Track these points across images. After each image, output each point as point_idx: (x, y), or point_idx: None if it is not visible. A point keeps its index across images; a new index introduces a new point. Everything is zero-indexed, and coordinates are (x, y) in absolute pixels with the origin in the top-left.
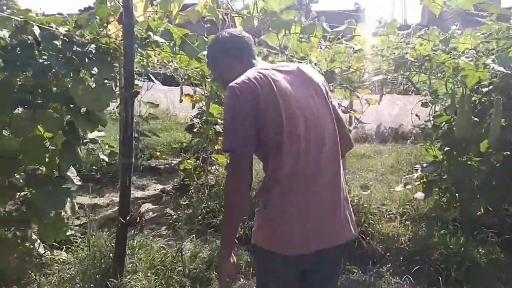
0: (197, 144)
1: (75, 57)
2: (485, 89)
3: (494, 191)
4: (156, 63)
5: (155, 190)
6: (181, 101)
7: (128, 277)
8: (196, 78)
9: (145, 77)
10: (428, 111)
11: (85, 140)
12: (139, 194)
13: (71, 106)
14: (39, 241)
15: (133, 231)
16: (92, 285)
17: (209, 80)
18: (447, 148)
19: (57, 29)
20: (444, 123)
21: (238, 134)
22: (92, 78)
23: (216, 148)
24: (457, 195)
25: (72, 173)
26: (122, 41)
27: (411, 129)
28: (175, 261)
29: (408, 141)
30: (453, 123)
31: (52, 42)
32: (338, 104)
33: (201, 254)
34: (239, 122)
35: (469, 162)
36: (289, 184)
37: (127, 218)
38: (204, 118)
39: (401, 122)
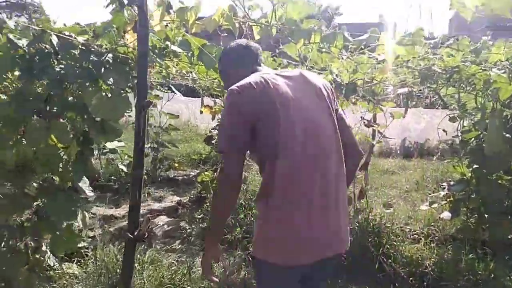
0: (216, 156)
1: (91, 66)
2: None
3: None
4: (175, 74)
5: (171, 202)
6: (201, 112)
7: None
8: (215, 89)
9: (166, 87)
10: (456, 126)
11: (104, 150)
12: (155, 205)
13: (86, 116)
14: (49, 253)
15: (143, 246)
16: None
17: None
18: (476, 166)
19: (75, 38)
20: (473, 139)
21: (233, 136)
22: (108, 88)
23: None
24: (486, 216)
25: (84, 183)
26: None
27: (438, 144)
28: (185, 279)
29: (435, 157)
30: (482, 139)
31: (69, 52)
32: (361, 117)
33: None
34: (234, 124)
35: (499, 181)
36: (286, 192)
37: (135, 233)
38: None
39: (427, 137)
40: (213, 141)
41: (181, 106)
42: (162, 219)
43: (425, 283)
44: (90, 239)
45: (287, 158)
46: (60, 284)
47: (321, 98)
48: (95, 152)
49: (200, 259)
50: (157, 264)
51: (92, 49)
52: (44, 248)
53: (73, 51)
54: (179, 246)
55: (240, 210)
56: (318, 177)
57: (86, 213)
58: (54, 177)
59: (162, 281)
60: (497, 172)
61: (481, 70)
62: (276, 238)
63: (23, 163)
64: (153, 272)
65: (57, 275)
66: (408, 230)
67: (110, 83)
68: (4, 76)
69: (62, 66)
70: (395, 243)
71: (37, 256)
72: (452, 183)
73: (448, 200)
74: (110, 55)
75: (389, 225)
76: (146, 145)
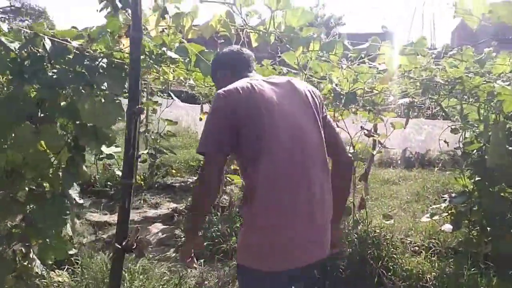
0: None
1: (85, 71)
2: None
3: None
4: (173, 80)
5: (168, 209)
6: (200, 119)
7: None
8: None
9: (166, 94)
10: (458, 137)
11: (101, 156)
12: (151, 212)
13: (78, 122)
14: (37, 260)
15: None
16: None
17: None
18: (478, 178)
19: (69, 42)
20: (475, 150)
21: (214, 138)
22: (102, 94)
23: (232, 167)
24: (488, 229)
25: (75, 190)
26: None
27: (439, 155)
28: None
29: (436, 168)
30: (485, 151)
31: (63, 56)
32: (361, 127)
33: (207, 282)
34: (217, 127)
35: (502, 194)
36: (270, 198)
37: (123, 243)
38: None
39: (428, 148)
40: None
41: (181, 113)
42: (157, 227)
43: None
44: (82, 246)
45: (271, 163)
46: None
47: (308, 106)
48: (92, 158)
49: (180, 248)
50: (149, 273)
51: (87, 54)
52: (32, 255)
53: (67, 55)
54: (173, 254)
55: (236, 219)
56: (304, 183)
57: (77, 220)
58: (44, 183)
59: None
60: (499, 184)
61: (485, 82)
62: (260, 244)
63: (12, 168)
64: (144, 282)
65: (44, 283)
66: (409, 242)
67: (104, 88)
68: None
69: (55, 70)
70: (395, 255)
71: (24, 263)
72: (453, 195)
73: (449, 212)
74: (105, 60)
75: (389, 237)
76: (143, 151)
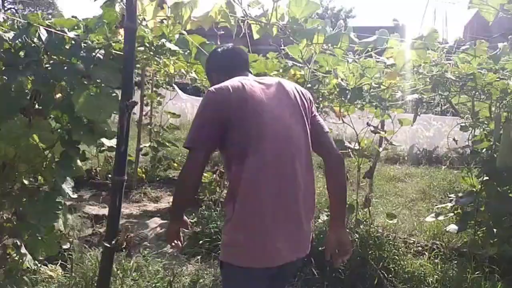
0: (217, 157)
1: (81, 63)
2: None
3: None
4: (175, 73)
5: (168, 202)
6: None
7: None
8: None
9: (171, 86)
10: (467, 135)
11: (102, 148)
12: (151, 206)
13: (72, 115)
14: (28, 255)
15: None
16: None
17: None
18: (486, 178)
19: (65, 33)
20: (484, 149)
21: (200, 134)
22: (97, 87)
23: None
24: (495, 230)
25: (68, 185)
26: (141, 48)
27: (447, 152)
28: None
29: (443, 167)
30: (494, 150)
31: (59, 47)
32: (367, 123)
33: (202, 280)
34: (205, 123)
35: (510, 194)
36: (254, 196)
37: (113, 242)
38: None
39: (436, 144)
40: None
41: (187, 105)
42: (156, 221)
43: None
44: (78, 240)
45: (258, 162)
46: None
47: (296, 106)
48: (93, 150)
49: (166, 231)
50: (142, 270)
51: (85, 44)
52: (23, 250)
53: (64, 46)
54: (170, 250)
55: None
56: (289, 184)
57: (69, 216)
58: (37, 177)
59: None
60: (508, 185)
61: (498, 79)
62: (243, 241)
63: (4, 162)
64: (137, 279)
65: (34, 279)
66: (412, 242)
67: (100, 81)
68: None
69: (51, 61)
70: (396, 256)
71: (16, 258)
72: (460, 194)
73: (455, 212)
74: (102, 51)
75: (391, 237)
76: (145, 145)
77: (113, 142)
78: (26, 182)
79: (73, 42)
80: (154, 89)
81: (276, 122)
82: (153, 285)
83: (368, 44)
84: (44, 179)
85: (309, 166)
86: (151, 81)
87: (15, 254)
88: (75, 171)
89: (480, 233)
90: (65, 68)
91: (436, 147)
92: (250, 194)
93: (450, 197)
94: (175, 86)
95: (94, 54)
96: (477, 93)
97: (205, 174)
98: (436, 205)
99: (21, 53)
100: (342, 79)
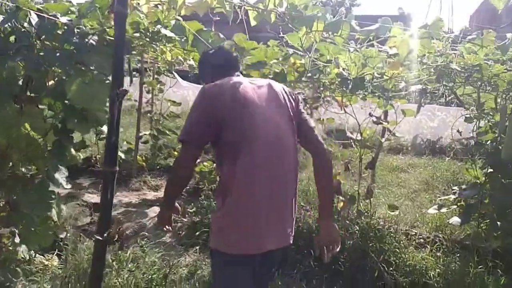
0: None
1: (74, 48)
2: None
3: None
4: (172, 60)
5: None
6: None
7: None
8: None
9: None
10: (472, 126)
11: (102, 136)
12: (150, 195)
13: (66, 103)
14: (23, 245)
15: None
16: None
17: None
18: (490, 170)
19: (57, 18)
20: (489, 141)
21: (194, 130)
22: (91, 74)
23: None
24: (499, 223)
25: (62, 175)
26: (136, 34)
27: (451, 142)
28: (165, 282)
29: (447, 158)
30: (500, 142)
31: (51, 32)
32: (370, 113)
33: (200, 272)
34: (198, 120)
35: None
36: (245, 190)
37: (105, 235)
38: None
39: (440, 135)
40: None
41: (188, 93)
42: (155, 210)
43: None
44: (74, 230)
45: (249, 158)
46: (32, 281)
47: (284, 106)
48: (93, 137)
49: (158, 215)
50: (139, 261)
51: (78, 30)
52: (17, 240)
53: (56, 31)
54: (169, 239)
55: None
56: (278, 179)
57: (63, 206)
58: (30, 167)
59: (138, 285)
60: None
61: (506, 70)
62: (231, 231)
63: None
64: (134, 271)
65: (28, 270)
66: (413, 234)
67: (93, 68)
68: None
69: (44, 47)
70: (398, 249)
71: (10, 248)
72: (463, 187)
73: (458, 204)
74: (95, 37)
75: (393, 229)
76: (145, 132)
77: None
78: (19, 171)
79: (65, 27)
80: (156, 76)
81: (267, 123)
82: (149, 276)
83: (370, 33)
84: (37, 169)
85: (295, 166)
86: (152, 68)
87: (10, 244)
88: (69, 160)
89: (483, 226)
90: (58, 54)
91: (440, 138)
92: (242, 188)
93: (454, 189)
94: (175, 74)
95: (87, 40)
96: (483, 84)
97: (205, 163)
98: (439, 197)
99: (12, 38)
100: (343, 69)
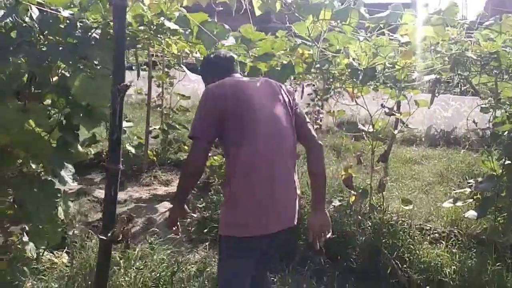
0: None
1: (77, 43)
2: None
3: None
4: (178, 53)
5: None
6: None
7: None
8: None
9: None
10: (488, 117)
11: None
12: (161, 190)
13: (70, 98)
14: (31, 243)
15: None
16: None
17: None
18: (508, 162)
19: (59, 11)
20: (506, 132)
21: (202, 126)
22: (94, 68)
23: None
24: None
25: (68, 172)
26: (141, 27)
27: (466, 132)
28: (172, 280)
29: (462, 150)
30: None
31: (53, 26)
32: (382, 105)
33: (209, 269)
34: (204, 116)
35: None
36: (247, 177)
37: (109, 235)
38: None
39: (455, 125)
40: None
41: (199, 86)
42: (165, 205)
43: None
44: (83, 227)
45: (251, 149)
46: (40, 279)
47: (282, 101)
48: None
49: (167, 218)
50: (147, 259)
51: (81, 24)
52: (25, 238)
53: (58, 25)
54: (180, 235)
55: None
56: (276, 165)
57: (71, 203)
58: (35, 164)
59: (146, 284)
60: None
61: None
62: (238, 215)
63: (1, 148)
64: (141, 268)
65: (35, 269)
66: (428, 228)
67: (97, 62)
68: None
69: (46, 42)
70: (412, 245)
71: (19, 246)
72: (479, 179)
73: (474, 197)
74: (98, 31)
75: (406, 224)
76: (155, 127)
77: (123, 125)
78: (26, 169)
79: (67, 21)
80: (166, 69)
81: (266, 114)
82: (158, 274)
83: (380, 20)
84: (43, 166)
85: (293, 154)
86: (161, 62)
87: (18, 242)
88: (75, 157)
89: (500, 220)
90: (60, 48)
91: (455, 128)
92: (246, 177)
93: (469, 181)
94: (184, 67)
95: (90, 34)
96: (500, 73)
97: (215, 158)
98: (454, 189)
99: (13, 34)
100: (353, 59)
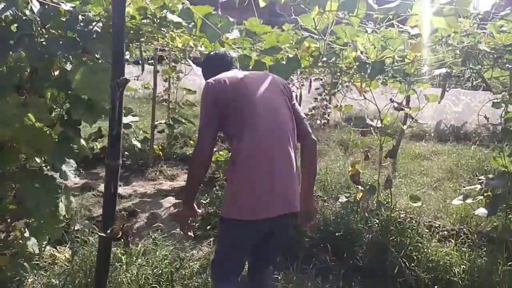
0: None
1: (77, 36)
2: None
3: None
4: (183, 47)
5: (184, 181)
6: None
7: None
8: None
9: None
10: (500, 112)
11: None
12: (166, 185)
13: (70, 93)
14: (33, 239)
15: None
16: None
17: None
18: None
19: (59, 4)
20: None
21: (205, 119)
22: (95, 62)
23: None
24: None
25: (70, 167)
26: (144, 20)
27: (476, 128)
28: (175, 277)
29: (472, 146)
30: None
31: (54, 20)
32: (391, 99)
33: None
34: (208, 110)
35: None
36: (249, 163)
37: (108, 231)
38: None
39: (465, 120)
40: None
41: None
42: (170, 201)
43: None
44: (87, 222)
45: (252, 138)
46: (42, 275)
47: (281, 94)
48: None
49: (178, 219)
50: (150, 255)
51: (83, 17)
52: (27, 233)
53: (60, 18)
54: (192, 236)
55: None
56: (277, 154)
57: (73, 198)
58: (39, 159)
59: (146, 281)
60: None
61: None
62: (240, 199)
63: (2, 143)
64: (144, 265)
65: (36, 265)
66: (437, 226)
67: (98, 56)
68: None
69: (46, 36)
70: (420, 244)
71: (21, 241)
72: (490, 176)
73: (485, 195)
74: (100, 24)
75: (414, 222)
76: (161, 121)
77: (129, 119)
78: (29, 164)
79: (69, 14)
80: (173, 64)
81: (265, 105)
82: (160, 271)
83: (389, 11)
84: (46, 161)
85: (294, 144)
86: (168, 56)
87: (21, 237)
88: (78, 152)
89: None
90: (61, 42)
91: (465, 123)
92: (247, 164)
93: (480, 178)
94: (190, 61)
95: (92, 27)
96: None
97: (220, 153)
98: (464, 186)
99: (13, 27)
100: (361, 52)
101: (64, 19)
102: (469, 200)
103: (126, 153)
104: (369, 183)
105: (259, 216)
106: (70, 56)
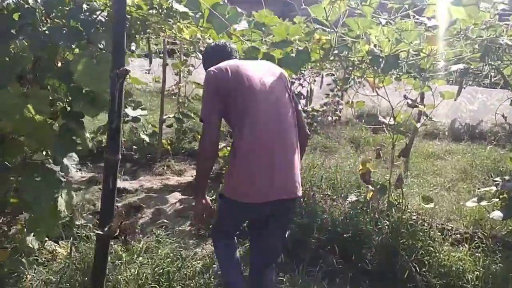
0: None
1: (81, 26)
2: None
3: None
4: (190, 39)
5: (191, 176)
6: None
7: None
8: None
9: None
10: None
11: (127, 119)
12: (173, 180)
13: (72, 84)
14: (32, 234)
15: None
16: None
17: None
18: None
19: None
20: None
21: (208, 107)
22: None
23: None
24: None
25: (72, 161)
26: (151, 11)
27: (492, 127)
28: (173, 278)
29: (488, 146)
30: None
31: (58, 8)
32: (404, 96)
33: (215, 265)
34: (209, 97)
35: None
36: (249, 157)
37: (105, 229)
38: None
39: (481, 119)
40: None
41: None
42: (176, 196)
43: None
44: (90, 216)
45: (252, 132)
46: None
47: (282, 83)
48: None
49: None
50: (152, 253)
51: (87, 6)
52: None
53: (64, 7)
54: (188, 228)
55: None
56: (277, 148)
57: (74, 193)
58: (38, 152)
59: (146, 281)
60: None
61: None
62: (240, 184)
63: (4, 135)
64: (145, 263)
65: (35, 260)
66: (449, 228)
67: (102, 46)
68: None
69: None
70: (432, 247)
71: (21, 236)
72: (507, 177)
73: (500, 197)
74: (104, 13)
75: (426, 224)
76: (169, 116)
77: (137, 113)
78: (30, 157)
79: (73, 2)
80: (184, 57)
81: (266, 94)
82: (160, 270)
83: (405, 0)
84: (47, 155)
85: (295, 132)
86: (179, 50)
87: (20, 232)
88: (79, 145)
89: None
90: (64, 31)
91: (481, 122)
92: (248, 151)
93: (495, 180)
94: (200, 54)
95: (96, 16)
96: None
97: (228, 148)
98: (478, 187)
99: (15, 16)
100: (375, 45)
101: (67, 8)
102: (483, 203)
103: (134, 147)
104: (380, 183)
105: (259, 200)
106: (73, 46)
